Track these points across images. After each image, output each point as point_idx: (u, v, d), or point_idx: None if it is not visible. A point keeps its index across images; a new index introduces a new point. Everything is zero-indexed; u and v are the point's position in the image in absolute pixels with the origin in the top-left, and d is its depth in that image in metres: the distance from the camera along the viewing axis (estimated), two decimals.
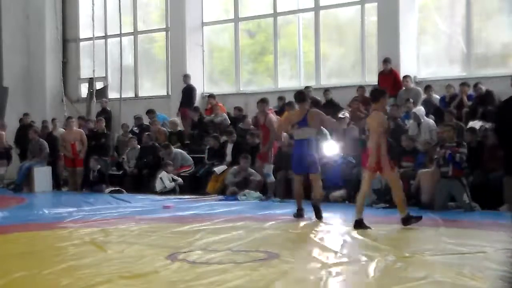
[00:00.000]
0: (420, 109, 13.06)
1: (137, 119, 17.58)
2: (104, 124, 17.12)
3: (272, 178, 13.02)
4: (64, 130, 17.29)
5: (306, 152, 9.82)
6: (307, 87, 15.68)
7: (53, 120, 18.04)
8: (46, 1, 20.57)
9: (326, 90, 15.29)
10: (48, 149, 16.44)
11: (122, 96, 19.57)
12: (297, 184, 10.21)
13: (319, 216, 9.73)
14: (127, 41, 20.06)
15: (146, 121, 17.49)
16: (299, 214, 9.99)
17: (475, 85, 13.13)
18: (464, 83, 13.46)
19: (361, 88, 14.84)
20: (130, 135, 16.94)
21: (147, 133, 16.28)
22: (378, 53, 15.19)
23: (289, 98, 15.80)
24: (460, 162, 10.72)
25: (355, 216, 8.79)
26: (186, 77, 17.51)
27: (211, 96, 17.03)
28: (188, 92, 17.39)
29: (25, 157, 16.93)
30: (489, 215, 9.98)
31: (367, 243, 7.58)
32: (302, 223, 9.35)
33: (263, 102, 12.99)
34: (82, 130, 16.67)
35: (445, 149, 10.83)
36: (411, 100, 13.52)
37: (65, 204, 12.43)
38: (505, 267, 5.94)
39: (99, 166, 15.80)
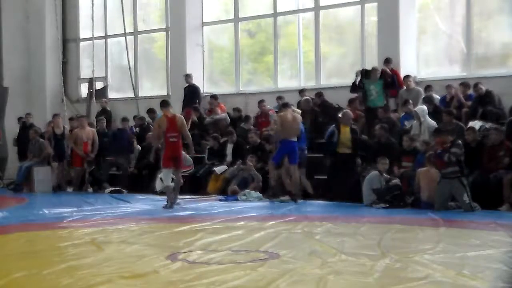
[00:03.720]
0: (421, 108, 13.02)
1: (138, 119, 17.57)
2: (105, 124, 17.11)
3: (168, 182, 11.97)
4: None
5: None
6: (301, 90, 15.67)
7: (49, 122, 17.91)
8: (46, 1, 20.57)
9: (317, 93, 15.29)
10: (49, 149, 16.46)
11: (122, 96, 19.60)
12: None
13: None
14: (127, 41, 20.06)
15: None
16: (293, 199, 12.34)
17: (475, 85, 13.11)
18: (462, 83, 13.47)
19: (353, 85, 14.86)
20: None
21: (150, 133, 16.26)
22: (378, 53, 15.19)
23: (289, 98, 15.88)
24: (448, 161, 10.70)
25: None
26: (188, 76, 17.49)
27: (212, 96, 17.00)
28: (192, 91, 17.35)
29: (25, 157, 16.91)
30: (489, 215, 9.98)
31: (367, 243, 7.58)
32: (302, 223, 9.35)
33: (162, 106, 12.34)
34: (94, 130, 16.59)
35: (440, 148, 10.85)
36: (410, 102, 13.50)
37: (65, 204, 12.42)
38: (505, 267, 5.95)
39: (93, 167, 15.80)
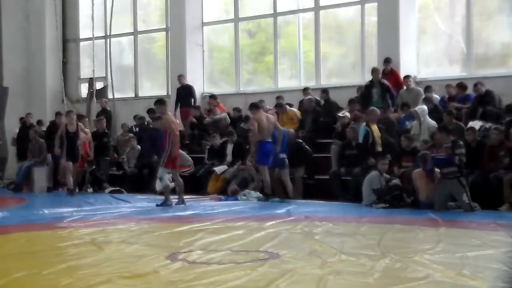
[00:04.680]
0: (421, 108, 13.02)
1: (139, 119, 17.56)
2: (105, 124, 17.10)
3: (165, 182, 12.14)
4: None
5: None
6: (305, 89, 15.68)
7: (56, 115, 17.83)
8: (46, 1, 20.58)
9: (323, 90, 15.32)
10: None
11: (122, 96, 19.61)
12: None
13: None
14: (127, 41, 20.08)
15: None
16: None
17: (475, 85, 13.09)
18: (458, 84, 13.47)
19: (360, 88, 14.88)
20: (131, 135, 16.94)
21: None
22: (378, 53, 15.19)
23: (289, 98, 15.91)
24: (460, 164, 10.72)
25: None
26: (181, 77, 17.51)
27: (212, 96, 17.02)
28: (187, 91, 17.38)
29: (25, 157, 16.90)
30: (489, 215, 9.98)
31: (367, 243, 7.58)
32: (302, 223, 9.35)
33: (157, 104, 12.23)
34: (88, 130, 16.53)
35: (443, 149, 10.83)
36: (409, 105, 13.48)
37: (65, 204, 12.42)
38: (505, 267, 5.95)
39: (93, 167, 15.78)
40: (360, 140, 12.63)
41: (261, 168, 12.91)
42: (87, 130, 16.09)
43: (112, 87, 19.62)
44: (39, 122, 17.96)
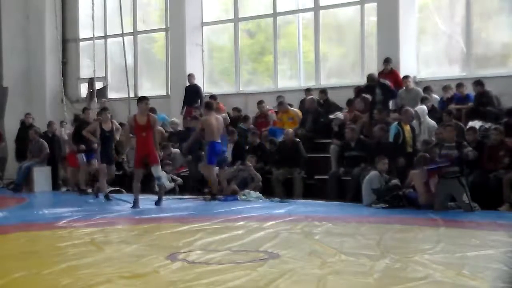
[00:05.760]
0: (421, 108, 13.03)
1: None
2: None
3: (163, 181, 12.34)
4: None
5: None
6: (307, 90, 15.68)
7: (50, 122, 17.76)
8: (46, 1, 20.58)
9: (321, 91, 15.33)
10: (48, 149, 16.45)
11: (123, 96, 19.59)
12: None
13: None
14: (127, 41, 20.07)
15: None
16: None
17: (474, 83, 13.04)
18: (458, 84, 13.45)
19: (357, 88, 14.87)
20: (130, 135, 16.87)
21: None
22: (378, 53, 15.19)
23: (289, 98, 15.90)
24: (471, 160, 10.74)
25: None
26: (191, 76, 17.48)
27: (212, 96, 17.01)
28: (195, 91, 17.34)
29: (25, 157, 16.90)
30: (489, 215, 9.98)
31: (367, 243, 7.58)
32: (302, 223, 9.35)
33: (146, 100, 12.04)
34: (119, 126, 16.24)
35: (448, 150, 10.80)
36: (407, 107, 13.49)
37: (65, 204, 12.42)
38: (505, 267, 5.95)
39: None
40: (391, 139, 12.32)
41: (208, 167, 13.20)
42: (119, 126, 14.76)
43: (135, 85, 19.64)
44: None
